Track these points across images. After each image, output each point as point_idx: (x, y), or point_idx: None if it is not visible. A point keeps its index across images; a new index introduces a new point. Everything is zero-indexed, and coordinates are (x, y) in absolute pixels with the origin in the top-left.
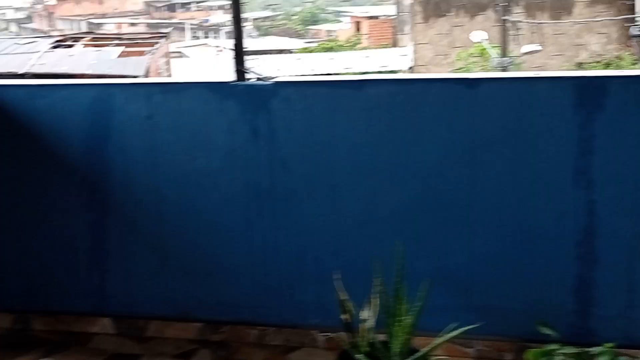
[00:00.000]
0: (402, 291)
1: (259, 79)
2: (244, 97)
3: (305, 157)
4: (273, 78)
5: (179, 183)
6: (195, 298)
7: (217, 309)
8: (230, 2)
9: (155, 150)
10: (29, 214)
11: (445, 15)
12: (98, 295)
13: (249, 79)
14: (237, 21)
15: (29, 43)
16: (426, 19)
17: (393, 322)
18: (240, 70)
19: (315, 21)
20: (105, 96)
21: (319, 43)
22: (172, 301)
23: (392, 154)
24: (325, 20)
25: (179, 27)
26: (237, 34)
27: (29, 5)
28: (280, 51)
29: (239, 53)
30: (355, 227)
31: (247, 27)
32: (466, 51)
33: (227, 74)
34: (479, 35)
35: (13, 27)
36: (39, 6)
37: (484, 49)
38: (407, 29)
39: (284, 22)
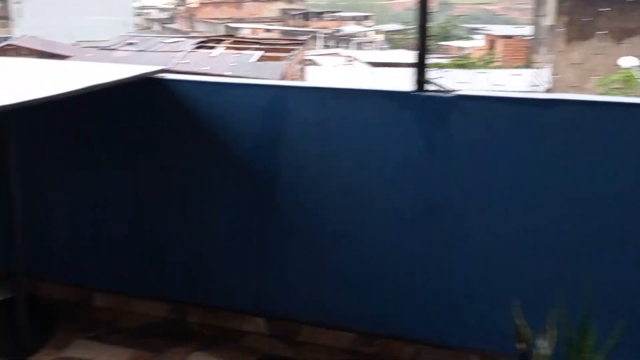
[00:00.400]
0: (589, 326)
1: (439, 90)
2: (422, 108)
3: (482, 176)
4: (454, 91)
5: (346, 191)
6: (351, 307)
7: (372, 320)
8: (417, 10)
9: (325, 156)
10: (196, 206)
11: (589, 38)
12: (255, 293)
13: (429, 90)
14: (422, 30)
15: (174, 42)
16: (568, 41)
17: (576, 358)
18: (421, 80)
19: (447, 37)
20: (279, 98)
21: (452, 59)
22: (326, 308)
23: (578, 181)
24: (458, 37)
25: (312, 36)
26: (421, 43)
27: (172, 6)
28: (410, 64)
29: (421, 63)
30: (529, 253)
31: (379, 39)
32: (608, 77)
33: (406, 84)
34: (628, 61)
35: (156, 27)
36: (182, 8)
37: (631, 75)
38: (543, 50)
39: (416, 36)
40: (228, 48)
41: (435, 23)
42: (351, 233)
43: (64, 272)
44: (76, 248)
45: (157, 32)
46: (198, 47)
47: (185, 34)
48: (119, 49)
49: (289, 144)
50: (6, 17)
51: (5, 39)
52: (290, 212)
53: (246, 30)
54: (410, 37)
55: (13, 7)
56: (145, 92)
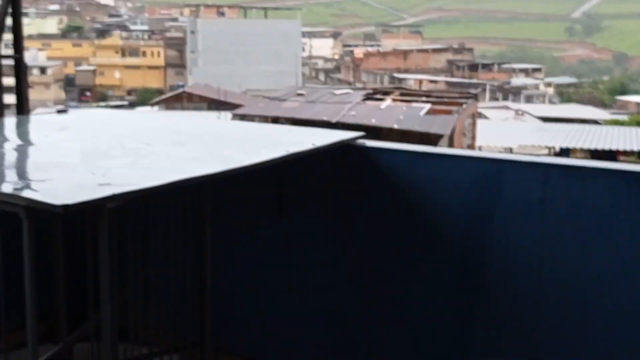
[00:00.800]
0: None
1: None
2: None
3: None
4: None
5: (567, 284)
6: None
7: None
8: None
9: (545, 241)
10: (389, 283)
11: None
12: None
13: None
14: None
15: (342, 94)
16: None
17: None
18: None
19: (624, 92)
20: (494, 172)
21: (630, 116)
22: None
23: None
24: (637, 92)
25: (481, 88)
26: None
27: (337, 57)
28: (583, 120)
29: None
30: None
31: (549, 92)
32: None
33: None
34: None
35: (321, 76)
36: (347, 58)
37: None
38: None
39: (589, 90)
40: (395, 100)
41: (610, 76)
42: (570, 330)
43: (247, 345)
44: (259, 320)
45: (322, 82)
46: (366, 99)
47: (350, 84)
48: (289, 99)
49: (503, 224)
50: (182, 66)
51: (181, 86)
52: (501, 301)
53: (410, 81)
54: (584, 91)
55: (189, 57)
56: (342, 158)
